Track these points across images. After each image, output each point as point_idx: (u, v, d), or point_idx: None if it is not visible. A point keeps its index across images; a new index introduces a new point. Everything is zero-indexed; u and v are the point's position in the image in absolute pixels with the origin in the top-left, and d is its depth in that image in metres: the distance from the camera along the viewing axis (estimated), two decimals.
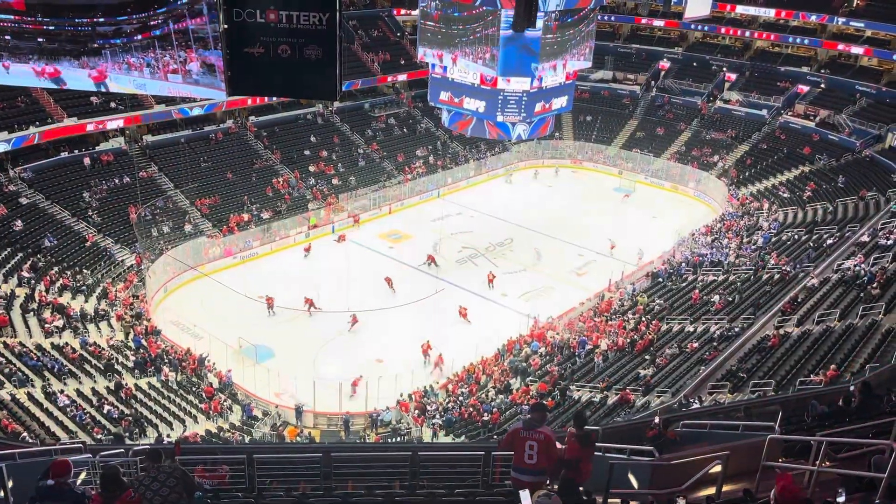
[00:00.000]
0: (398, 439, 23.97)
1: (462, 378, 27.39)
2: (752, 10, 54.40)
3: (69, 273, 31.43)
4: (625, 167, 51.52)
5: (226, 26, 8.17)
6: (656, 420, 11.36)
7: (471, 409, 24.73)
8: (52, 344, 26.19)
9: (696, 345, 26.20)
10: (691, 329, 28.25)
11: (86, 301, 30.30)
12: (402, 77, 53.19)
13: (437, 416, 24.92)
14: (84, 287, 30.97)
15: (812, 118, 50.40)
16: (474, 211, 44.33)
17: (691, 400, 20.21)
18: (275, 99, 44.68)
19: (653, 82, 57.58)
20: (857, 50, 51.24)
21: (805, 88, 52.59)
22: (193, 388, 26.42)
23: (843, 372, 18.22)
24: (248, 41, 8.24)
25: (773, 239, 36.13)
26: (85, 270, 32.15)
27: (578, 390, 25.47)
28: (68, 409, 22.27)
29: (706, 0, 30.42)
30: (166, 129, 42.20)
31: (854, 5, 51.28)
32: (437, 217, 41.67)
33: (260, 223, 38.93)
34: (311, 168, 44.73)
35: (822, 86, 52.13)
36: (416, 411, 25.50)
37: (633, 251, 37.91)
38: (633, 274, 36.05)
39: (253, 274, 34.92)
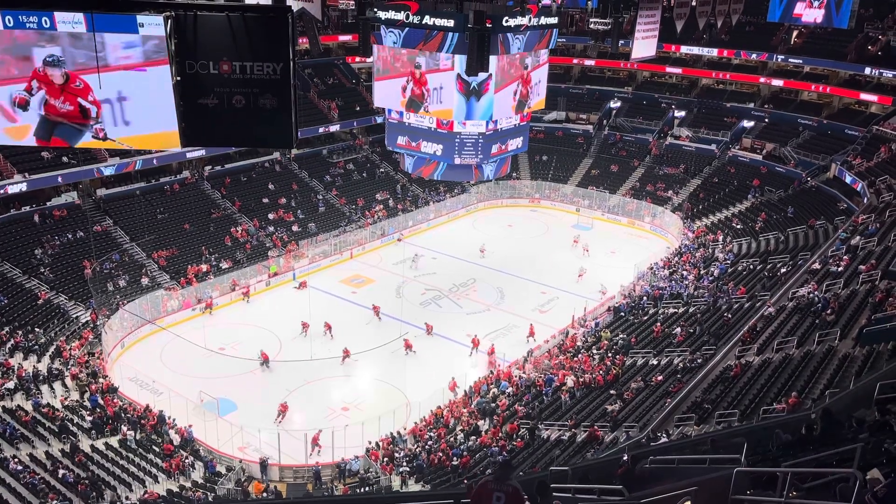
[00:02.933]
0: (367, 489, 23.51)
1: (430, 422, 27.11)
2: (695, 50, 56.31)
3: (20, 332, 30.47)
4: (582, 204, 52.31)
5: (178, 78, 8.15)
6: (625, 457, 11.30)
7: (440, 455, 24.40)
8: (3, 407, 25.25)
9: (660, 378, 26.31)
10: (655, 362, 28.48)
11: (38, 361, 29.38)
12: (358, 123, 53.49)
13: (406, 462, 24.51)
14: (36, 346, 30.05)
15: (759, 151, 52.04)
16: (436, 252, 44.53)
17: (659, 434, 20.24)
18: (232, 148, 44.49)
19: (605, 121, 58.90)
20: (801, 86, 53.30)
21: (750, 123, 54.31)
22: (153, 447, 25.60)
23: (804, 399, 18.34)
24: (202, 92, 8.21)
25: (729, 269, 36.75)
26: (37, 329, 31.23)
27: (547, 429, 25.34)
28: (21, 476, 21.36)
29: (651, 42, 31.32)
30: (121, 182, 41.65)
31: (792, 43, 53.48)
32: (404, 259, 41.87)
33: (219, 273, 38.49)
34: (271, 215, 44.54)
35: (767, 120, 53.97)
36: (385, 459, 25.06)
37: (594, 286, 38.34)
38: (596, 309, 36.34)
39: (213, 325, 34.38)
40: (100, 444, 25.06)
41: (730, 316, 29.46)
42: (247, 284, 38.49)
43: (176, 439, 26.25)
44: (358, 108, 53.14)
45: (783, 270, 33.12)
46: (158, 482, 23.45)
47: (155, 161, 41.34)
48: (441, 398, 28.28)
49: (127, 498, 21.49)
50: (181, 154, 41.94)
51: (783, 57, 53.21)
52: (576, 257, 43.01)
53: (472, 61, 21.96)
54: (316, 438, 25.83)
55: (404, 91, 27.95)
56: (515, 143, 31.19)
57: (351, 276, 41.35)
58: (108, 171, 39.33)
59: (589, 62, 62.16)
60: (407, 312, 35.15)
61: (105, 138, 8.71)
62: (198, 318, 35.53)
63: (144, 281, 36.47)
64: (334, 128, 51.66)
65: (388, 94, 28.46)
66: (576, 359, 30.15)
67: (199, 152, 42.71)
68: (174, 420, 27.04)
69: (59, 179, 37.80)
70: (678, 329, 30.30)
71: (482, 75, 24.80)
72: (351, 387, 30.53)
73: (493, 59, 24.21)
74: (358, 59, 55.04)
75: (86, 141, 8.82)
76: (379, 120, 51.75)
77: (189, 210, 42.37)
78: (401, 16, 24.69)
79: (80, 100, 8.52)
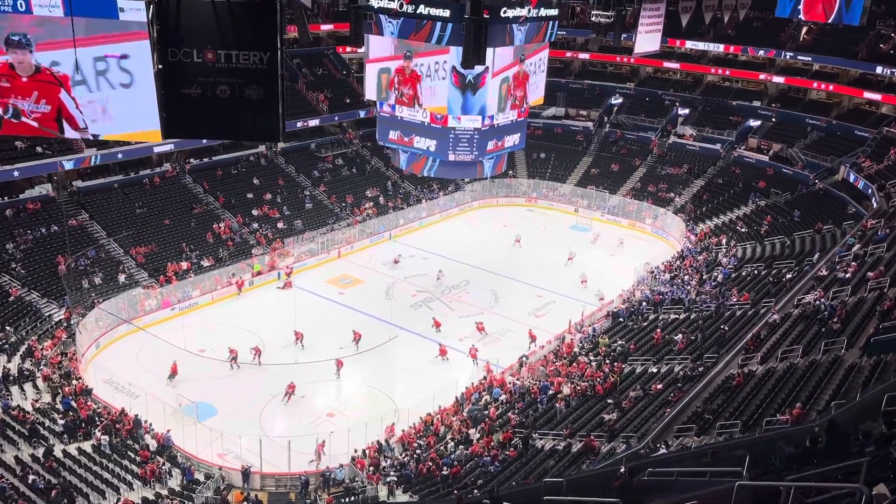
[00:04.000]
0: (352, 499, 23.48)
1: (419, 430, 27.04)
2: (701, 45, 56.44)
3: None
4: (581, 205, 52.39)
5: (160, 66, 8.10)
6: (622, 469, 11.30)
7: (429, 464, 24.35)
8: None
9: (660, 386, 26.36)
10: (654, 370, 28.48)
11: (8, 361, 29.13)
12: (349, 115, 53.38)
13: (393, 472, 24.48)
14: (6, 346, 29.81)
15: (765, 152, 52.22)
16: (428, 252, 44.51)
17: (658, 445, 20.27)
18: (215, 140, 44.31)
19: (606, 118, 58.98)
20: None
21: (756, 123, 54.49)
22: (128, 452, 25.46)
23: (808, 410, 18.38)
24: (185, 82, 8.17)
25: (733, 275, 36.89)
26: (7, 327, 30.96)
27: (541, 438, 25.32)
28: None
29: (656, 36, 31.36)
30: (98, 174, 41.42)
31: (801, 40, 53.70)
32: (391, 260, 41.95)
33: (200, 271, 38.33)
34: (255, 212, 44.41)
35: (774, 120, 54.21)
36: (371, 468, 25.03)
37: (592, 291, 38.45)
38: (594, 314, 36.37)
39: (193, 326, 34.26)
40: (72, 448, 24.81)
41: (726, 328, 29.47)
42: (241, 279, 38.59)
43: (152, 445, 26.06)
44: (348, 101, 53.04)
45: (789, 276, 33.21)
46: (133, 489, 23.25)
47: (121, 155, 40.59)
48: (431, 405, 28.24)
49: None
50: (153, 148, 41.30)
51: (792, 54, 53.42)
52: (574, 264, 42.98)
53: (468, 53, 21.85)
54: (321, 448, 25.74)
55: (397, 83, 27.92)
56: (512, 140, 31.24)
57: (338, 276, 41.23)
58: (68, 165, 38.56)
59: (590, 56, 62.21)
60: (396, 315, 35.08)
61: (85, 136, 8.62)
62: (177, 317, 35.38)
63: (121, 278, 36.25)
64: (323, 121, 51.54)
65: (380, 86, 28.42)
66: (572, 366, 30.13)
67: (167, 146, 41.97)
68: (151, 425, 26.77)
69: (16, 174, 36.87)
70: (679, 336, 30.38)
71: (478, 68, 24.77)
72: (337, 392, 30.51)
73: (490, 52, 24.21)
74: (349, 49, 55.05)
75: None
76: (363, 115, 51.93)
77: (169, 205, 42.11)
78: (394, 4, 24.61)
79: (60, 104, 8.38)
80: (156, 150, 42.04)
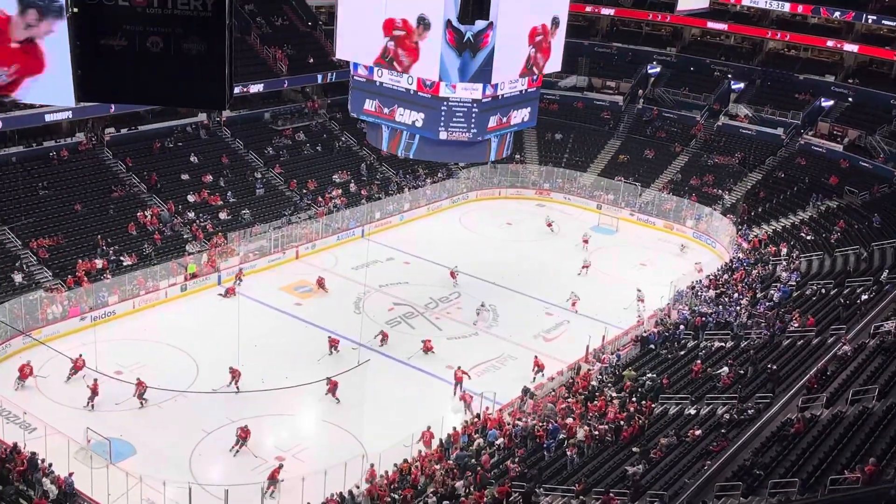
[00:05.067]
0: None
1: (393, 480, 26.78)
2: (761, 3, 56.62)
3: None
4: (605, 200, 52.25)
5: (75, 9, 8.05)
6: None
7: None
8: None
9: (698, 432, 26.32)
10: (692, 412, 28.52)
11: None
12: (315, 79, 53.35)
13: None
14: None
15: (839, 139, 52.43)
16: (410, 256, 44.32)
17: None
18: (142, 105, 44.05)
19: (639, 91, 59.20)
20: None
21: (829, 103, 54.62)
22: (21, 500, 24.80)
23: (884, 467, 18.40)
24: (107, 30, 8.11)
25: (794, 293, 36.86)
26: None
27: (547, 495, 25.11)
28: None
29: None
30: None
31: (886, 1, 53.88)
32: (368, 262, 41.26)
33: (119, 272, 38.01)
34: (191, 198, 44.14)
35: (851, 99, 54.39)
36: None
37: (615, 309, 38.40)
38: (618, 339, 36.27)
39: (108, 341, 33.73)
40: None
41: (783, 362, 29.49)
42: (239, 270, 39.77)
43: (52, 491, 25.40)
44: (313, 61, 52.94)
45: (864, 297, 33.23)
46: None
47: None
48: (409, 450, 28.09)
49: None
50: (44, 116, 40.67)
51: (875, 17, 53.65)
52: (592, 270, 43.10)
53: (467, 4, 21.82)
54: (275, 474, 25.86)
55: (379, 39, 27.76)
56: (521, 116, 29.94)
57: (296, 282, 41.09)
58: None
59: (621, 13, 62.28)
60: (368, 333, 34.88)
61: None
62: (88, 329, 35.01)
63: (17, 278, 35.93)
64: (281, 84, 51.41)
65: (355, 43, 28.20)
66: (589, 403, 30.05)
67: (65, 114, 41.35)
68: (50, 466, 25.97)
69: None
70: (724, 369, 30.32)
71: (480, 24, 24.68)
72: (288, 429, 30.37)
73: (495, 3, 24.16)
74: None
75: None
76: (333, 78, 51.90)
77: (82, 186, 41.83)
78: None
79: None
80: (49, 117, 40.97)
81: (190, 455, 28.08)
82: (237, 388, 31.50)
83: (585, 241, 43.85)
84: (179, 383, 31.63)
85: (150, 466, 26.49)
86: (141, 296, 37.82)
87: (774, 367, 29.52)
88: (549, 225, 48.00)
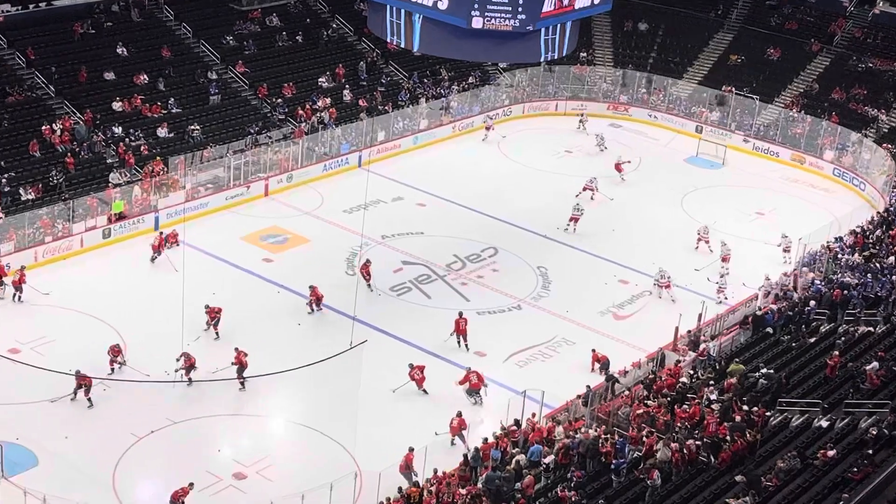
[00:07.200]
0: None
1: None
2: None
3: None
4: (708, 119, 48.55)
5: None
6: None
7: None
8: None
9: (832, 453, 23.94)
10: (824, 423, 26.00)
11: None
12: None
13: None
14: None
15: None
16: (427, 195, 40.64)
17: None
18: None
19: None
20: None
21: None
22: None
23: None
24: None
25: None
26: None
27: None
28: None
29: None
30: None
31: None
32: (372, 202, 38.07)
33: (16, 209, 34.30)
34: (118, 105, 39.95)
35: None
36: None
37: (715, 273, 35.10)
38: (721, 318, 32.44)
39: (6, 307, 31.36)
40: None
41: None
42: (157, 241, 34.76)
43: None
44: None
45: None
46: None
47: None
48: (421, 466, 24.89)
49: None
50: None
51: None
52: (686, 220, 39.32)
53: None
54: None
55: None
56: None
57: (264, 229, 37.52)
58: None
59: None
60: (366, 303, 31.79)
61: None
62: None
63: None
64: None
65: None
66: (677, 409, 26.69)
67: None
68: None
69: None
70: (873, 365, 27.25)
71: None
72: (252, 435, 27.34)
73: None
74: None
75: None
76: None
77: None
78: None
79: None
80: None
81: (114, 468, 25.31)
82: (189, 378, 28.40)
83: (706, 241, 38.08)
84: (97, 368, 28.07)
85: (57, 482, 24.11)
86: (46, 243, 34.52)
87: None
88: (619, 167, 42.34)
